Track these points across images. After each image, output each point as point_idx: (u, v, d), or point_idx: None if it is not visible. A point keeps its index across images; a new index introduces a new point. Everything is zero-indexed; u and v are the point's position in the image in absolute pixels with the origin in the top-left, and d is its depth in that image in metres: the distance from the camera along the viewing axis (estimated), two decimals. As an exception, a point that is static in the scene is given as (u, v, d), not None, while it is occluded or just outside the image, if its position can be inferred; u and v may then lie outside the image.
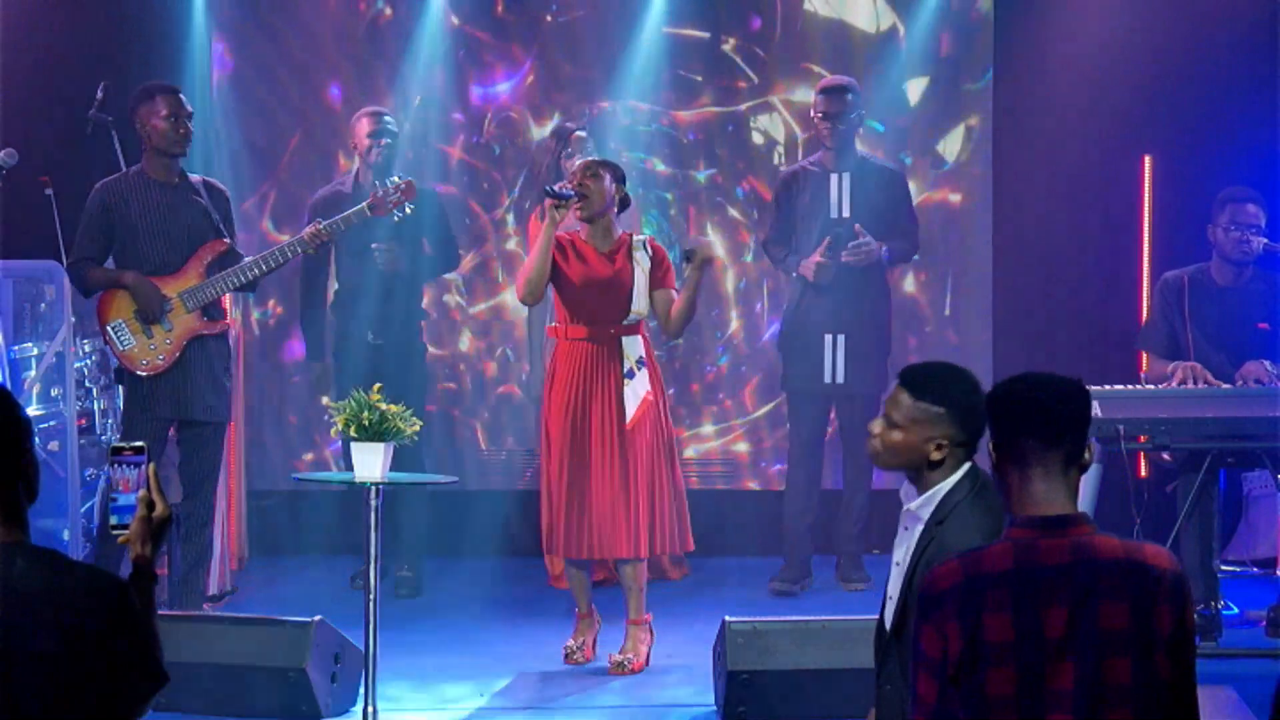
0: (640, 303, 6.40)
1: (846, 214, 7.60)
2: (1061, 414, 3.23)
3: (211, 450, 6.84)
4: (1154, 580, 3.13)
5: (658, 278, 6.41)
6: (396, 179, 7.06)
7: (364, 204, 7.01)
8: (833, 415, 7.82)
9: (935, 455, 3.76)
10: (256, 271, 6.81)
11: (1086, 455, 3.27)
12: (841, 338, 7.60)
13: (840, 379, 7.62)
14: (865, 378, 7.65)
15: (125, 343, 6.69)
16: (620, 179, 6.48)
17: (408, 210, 7.07)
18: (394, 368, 7.35)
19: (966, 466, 3.75)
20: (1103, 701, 3.09)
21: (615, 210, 6.45)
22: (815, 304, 7.63)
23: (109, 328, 6.70)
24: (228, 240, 6.84)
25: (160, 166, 6.77)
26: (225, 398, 6.86)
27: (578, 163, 6.75)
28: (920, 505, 3.78)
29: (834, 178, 7.64)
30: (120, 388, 7.03)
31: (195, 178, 6.88)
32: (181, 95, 6.80)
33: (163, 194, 6.75)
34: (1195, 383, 6.71)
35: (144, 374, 6.68)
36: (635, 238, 6.50)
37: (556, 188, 6.41)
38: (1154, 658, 3.11)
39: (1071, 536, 3.16)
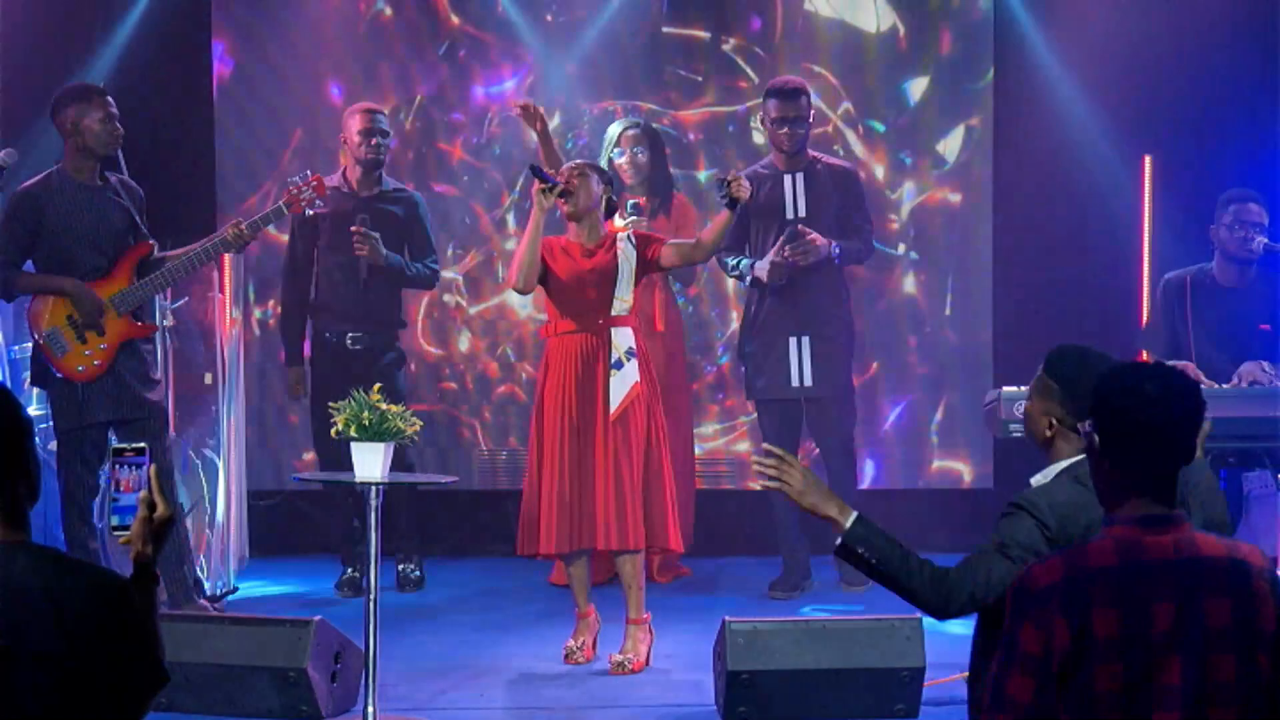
0: (626, 292, 6.43)
1: (803, 214, 7.57)
2: (1177, 416, 3.16)
3: (159, 438, 6.74)
4: (1254, 578, 3.13)
5: (651, 252, 6.44)
6: (307, 174, 7.05)
7: (280, 203, 7.00)
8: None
9: (1047, 433, 3.78)
10: (183, 273, 6.83)
11: (1198, 452, 3.25)
12: (806, 339, 7.55)
13: (809, 382, 7.57)
14: (833, 379, 7.62)
15: (62, 350, 6.66)
16: (607, 182, 6.56)
17: (319, 205, 7.09)
18: (370, 372, 7.30)
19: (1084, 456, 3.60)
20: (1208, 699, 3.07)
21: (602, 212, 6.50)
22: (774, 307, 7.58)
23: (45, 335, 6.68)
24: (152, 242, 6.84)
25: (85, 167, 6.73)
26: (159, 388, 6.88)
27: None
28: (1038, 481, 3.79)
29: (788, 179, 7.58)
30: (41, 392, 6.91)
31: (113, 177, 6.81)
32: (109, 97, 6.78)
33: (89, 196, 6.72)
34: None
35: (80, 380, 6.65)
36: (620, 234, 6.53)
37: (545, 170, 6.45)
38: (1256, 657, 3.10)
39: (1173, 534, 3.13)
